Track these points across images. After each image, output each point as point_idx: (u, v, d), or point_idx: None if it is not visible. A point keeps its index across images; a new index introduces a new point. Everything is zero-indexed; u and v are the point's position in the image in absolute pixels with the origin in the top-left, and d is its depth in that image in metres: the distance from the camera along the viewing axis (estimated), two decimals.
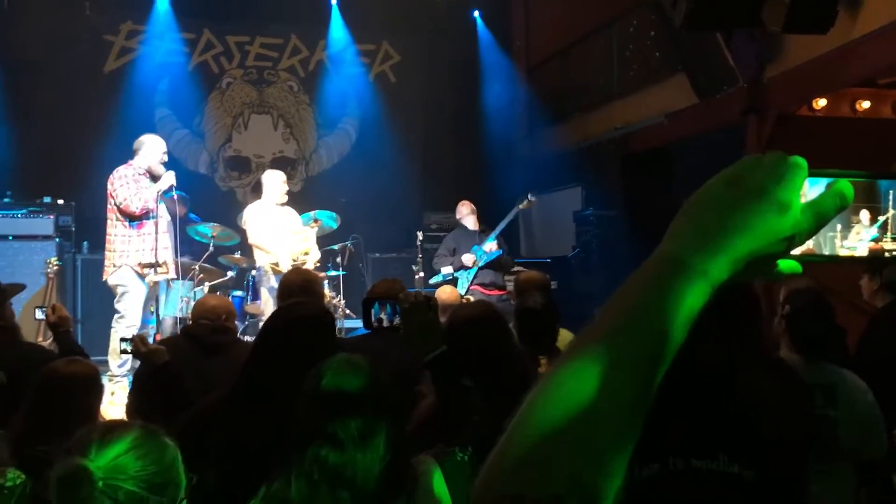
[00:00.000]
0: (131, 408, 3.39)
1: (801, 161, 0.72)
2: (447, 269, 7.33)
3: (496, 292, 7.32)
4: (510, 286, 7.49)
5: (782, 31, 6.20)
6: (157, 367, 2.92)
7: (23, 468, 1.94)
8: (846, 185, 0.72)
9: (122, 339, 3.26)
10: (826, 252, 0.77)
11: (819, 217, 0.72)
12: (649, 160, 8.66)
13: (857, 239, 0.78)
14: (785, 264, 0.74)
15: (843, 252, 0.78)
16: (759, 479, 1.41)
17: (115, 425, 1.52)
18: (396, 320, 2.05)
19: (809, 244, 0.75)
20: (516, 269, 7.86)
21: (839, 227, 0.77)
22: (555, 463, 0.66)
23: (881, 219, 0.77)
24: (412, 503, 1.74)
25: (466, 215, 7.67)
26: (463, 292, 7.10)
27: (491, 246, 7.33)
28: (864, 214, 0.77)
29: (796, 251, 0.74)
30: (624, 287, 0.73)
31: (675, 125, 7.93)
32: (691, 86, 7.32)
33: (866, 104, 7.14)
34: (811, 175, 0.74)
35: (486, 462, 0.70)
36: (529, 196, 7.60)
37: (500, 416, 2.03)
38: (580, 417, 0.66)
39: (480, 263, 7.30)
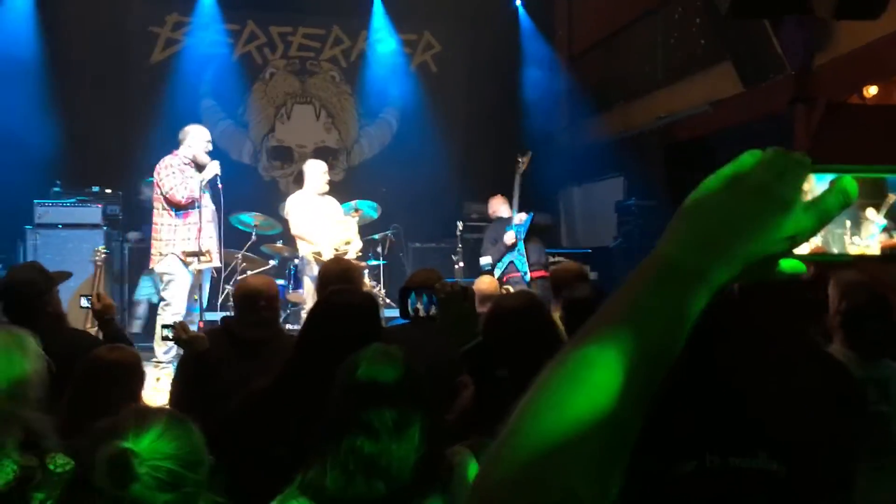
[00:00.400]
0: (174, 395, 3.43)
1: (804, 157, 0.70)
2: (485, 259, 7.27)
3: (539, 273, 7.21)
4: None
5: (833, 18, 6.10)
6: (198, 354, 2.95)
7: (68, 454, 1.99)
8: (849, 182, 0.70)
9: (164, 326, 3.29)
10: (836, 251, 0.74)
11: (822, 215, 0.69)
12: (693, 150, 8.52)
13: (868, 234, 0.75)
14: (787, 263, 0.72)
15: (853, 250, 0.74)
16: (800, 477, 1.38)
17: (146, 411, 1.63)
18: (433, 310, 2.05)
19: (817, 241, 0.73)
20: (554, 259, 7.81)
21: (848, 223, 0.74)
22: (549, 475, 0.64)
23: (884, 208, 0.74)
24: (448, 494, 1.74)
25: (499, 206, 7.61)
26: (527, 277, 7.05)
27: (520, 217, 7.25)
28: (871, 212, 0.74)
29: (803, 249, 0.72)
30: (621, 291, 0.71)
31: (720, 114, 7.79)
32: (737, 74, 7.19)
33: None
34: (818, 171, 0.72)
35: (480, 469, 0.69)
36: (520, 157, 7.47)
37: None
38: (574, 427, 0.64)
39: (522, 235, 7.21)
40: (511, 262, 7.22)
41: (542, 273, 7.16)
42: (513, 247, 7.22)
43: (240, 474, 1.96)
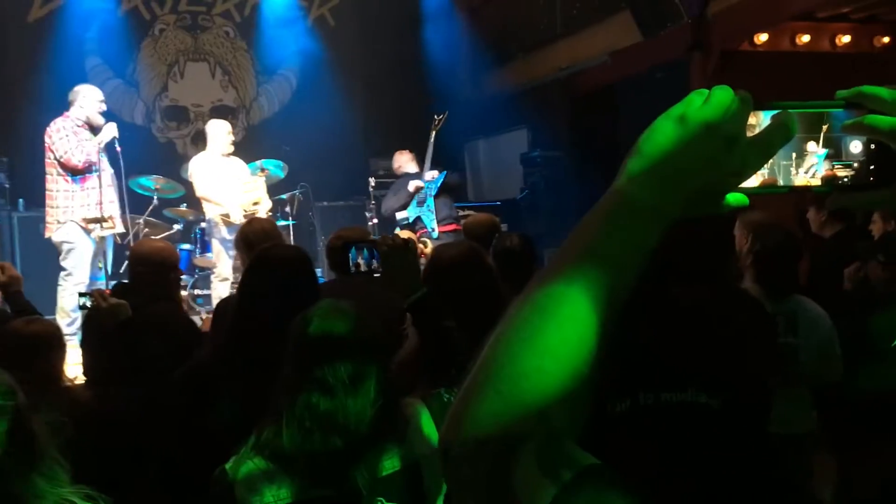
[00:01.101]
0: (88, 367, 3.28)
1: (747, 95, 0.73)
2: (402, 214, 7.15)
3: (451, 227, 7.21)
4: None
5: None
6: (120, 323, 2.80)
7: None
8: (789, 118, 0.73)
9: (81, 295, 3.10)
10: (781, 182, 0.78)
11: (765, 150, 0.73)
12: (595, 100, 8.69)
13: (809, 165, 0.78)
14: (732, 197, 0.75)
15: (798, 181, 0.78)
16: (726, 408, 1.44)
17: None
18: (374, 264, 2.04)
19: (764, 173, 0.76)
20: (463, 213, 7.85)
21: (794, 155, 0.77)
22: (520, 401, 0.67)
23: (822, 139, 0.77)
24: (404, 445, 1.75)
25: (406, 162, 7.50)
26: (435, 233, 7.02)
27: (432, 174, 7.18)
28: (812, 145, 0.78)
29: (752, 182, 0.75)
30: (579, 225, 0.75)
31: (620, 64, 7.95)
32: (636, 23, 7.32)
33: (806, 38, 7.25)
34: (762, 108, 0.75)
35: (452, 404, 0.73)
36: (436, 115, 7.49)
37: None
38: (543, 355, 0.68)
39: (433, 192, 7.16)
40: (418, 217, 7.18)
41: (453, 227, 7.17)
42: (413, 195, 7.14)
43: (191, 438, 1.91)
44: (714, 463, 1.27)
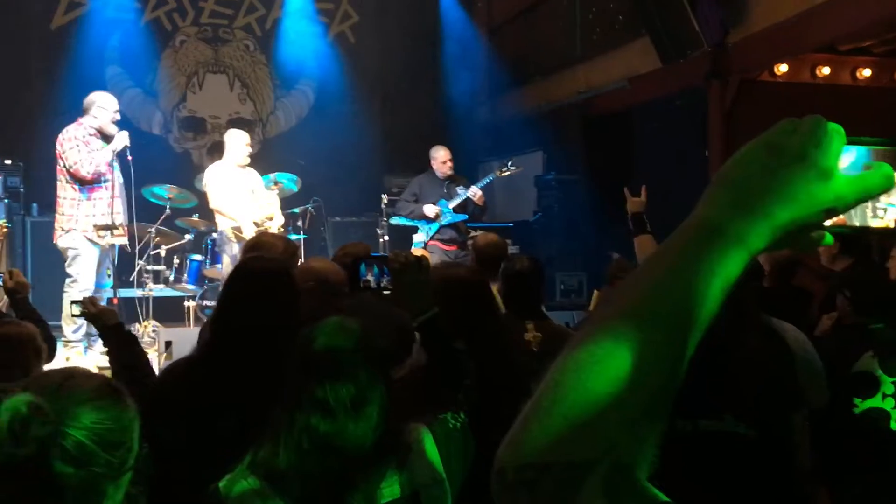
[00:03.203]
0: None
1: (839, 127, 0.70)
2: (418, 238, 7.06)
3: (455, 248, 7.16)
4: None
5: None
6: (107, 328, 2.81)
7: None
8: (890, 170, 0.71)
9: (73, 303, 3.12)
10: (857, 223, 0.76)
11: (863, 192, 0.71)
12: (612, 124, 8.66)
13: (884, 207, 0.77)
14: (819, 234, 0.73)
15: (875, 223, 0.77)
16: (762, 438, 1.41)
17: (78, 372, 1.41)
18: (384, 281, 2.00)
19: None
20: (475, 233, 7.81)
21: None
22: (589, 430, 0.65)
23: None
24: (405, 472, 1.70)
25: (439, 161, 7.23)
26: (420, 245, 6.97)
27: (457, 204, 7.05)
28: None
29: (827, 221, 0.72)
30: (656, 253, 0.71)
31: (638, 89, 7.92)
32: (655, 49, 7.30)
33: (826, 70, 7.21)
34: (852, 143, 0.73)
35: (511, 431, 0.69)
36: (509, 164, 7.37)
37: (492, 381, 1.99)
38: (616, 383, 0.65)
39: (444, 222, 7.10)
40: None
41: (453, 248, 7.11)
42: (430, 221, 7.09)
43: (176, 452, 1.87)
44: (750, 493, 1.24)
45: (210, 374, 2.18)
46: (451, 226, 7.13)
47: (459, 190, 7.08)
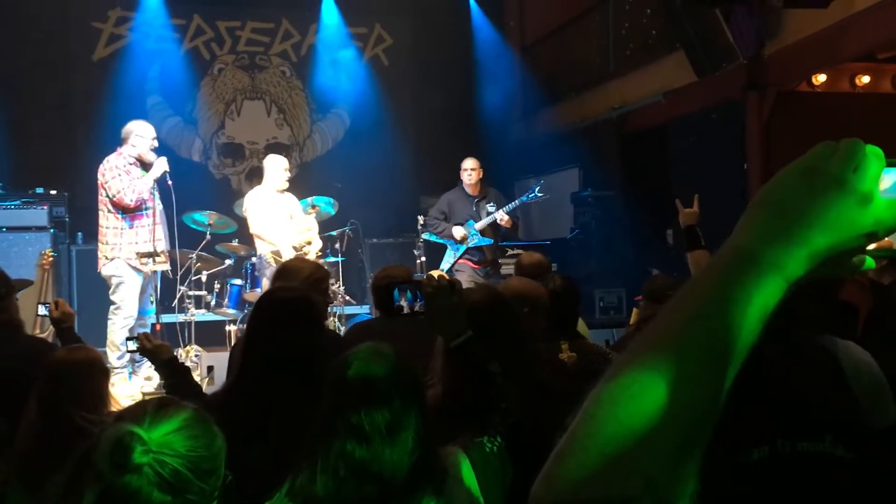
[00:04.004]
0: None
1: (878, 150, 0.69)
2: (446, 264, 7.03)
3: (485, 266, 7.09)
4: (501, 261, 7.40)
5: (783, 7, 6.19)
6: (162, 362, 2.90)
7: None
8: None
9: (129, 339, 3.27)
10: None
11: None
12: (647, 139, 8.60)
13: None
14: (861, 259, 0.71)
15: None
16: (862, 461, 1.40)
17: (170, 402, 1.46)
18: (418, 305, 2.00)
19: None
20: (514, 252, 7.80)
21: None
22: (627, 465, 0.63)
23: None
24: (442, 498, 1.69)
25: (466, 171, 7.15)
26: (447, 267, 6.96)
27: (484, 226, 7.02)
28: None
29: (871, 245, 0.71)
30: (693, 281, 0.70)
31: (674, 104, 7.87)
32: (690, 63, 7.25)
33: (866, 79, 7.10)
34: (891, 165, 0.71)
35: (548, 462, 0.68)
36: (536, 191, 7.23)
37: (528, 403, 1.97)
38: (653, 420, 0.64)
39: (470, 244, 7.05)
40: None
41: (475, 265, 7.09)
42: (458, 242, 7.10)
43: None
44: None
45: (241, 404, 2.22)
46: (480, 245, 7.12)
47: (489, 207, 7.06)
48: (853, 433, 1.29)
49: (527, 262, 4.47)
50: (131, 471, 1.29)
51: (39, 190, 8.09)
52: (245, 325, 6.96)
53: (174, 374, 2.86)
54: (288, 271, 3.51)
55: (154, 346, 2.95)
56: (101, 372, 2.75)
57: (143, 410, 1.39)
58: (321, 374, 2.15)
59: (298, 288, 2.57)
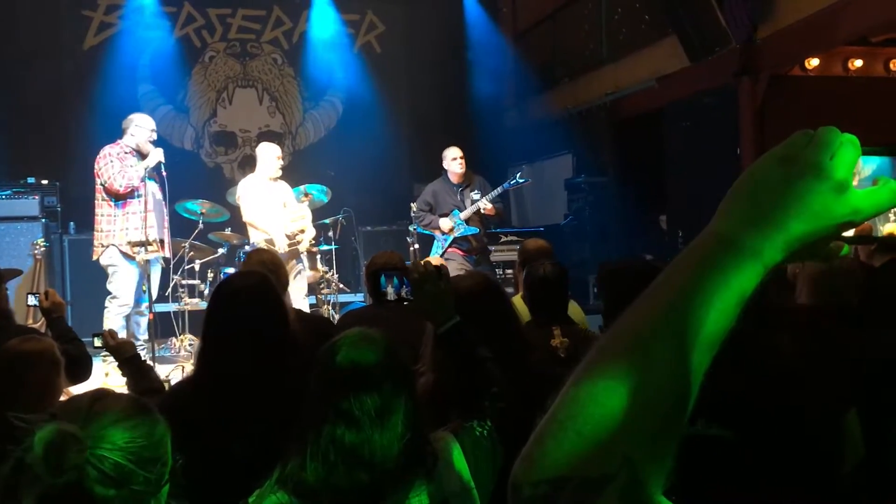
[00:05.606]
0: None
1: (854, 138, 0.69)
2: (436, 256, 6.97)
3: (473, 254, 7.04)
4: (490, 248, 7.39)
5: None
6: (124, 359, 2.89)
7: None
8: None
9: (95, 335, 3.17)
10: (883, 230, 0.75)
11: (880, 205, 0.70)
12: (641, 125, 8.59)
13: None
14: (836, 245, 0.72)
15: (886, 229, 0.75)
16: (739, 440, 1.41)
17: (105, 394, 1.43)
18: (404, 292, 1.99)
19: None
20: (507, 238, 7.80)
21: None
22: (604, 445, 0.64)
23: None
24: (433, 482, 1.69)
25: (449, 159, 7.02)
26: (440, 253, 6.91)
27: (469, 215, 6.92)
28: None
29: (850, 231, 0.71)
30: (670, 267, 0.70)
31: (667, 89, 7.85)
32: (683, 48, 7.23)
33: (859, 63, 7.09)
34: (867, 153, 0.71)
35: (528, 444, 0.69)
36: (518, 176, 7.14)
37: (517, 388, 1.97)
38: (630, 398, 0.65)
39: (457, 234, 6.94)
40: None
41: (460, 252, 7.05)
42: (446, 232, 7.04)
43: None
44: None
45: (207, 393, 2.21)
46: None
47: (474, 195, 6.97)
48: (726, 413, 1.30)
49: (531, 248, 4.50)
50: (67, 470, 1.26)
51: (31, 179, 8.06)
52: None
53: (136, 371, 2.84)
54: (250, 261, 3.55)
55: (117, 343, 2.94)
56: (50, 363, 2.67)
57: (78, 405, 1.37)
58: (290, 356, 2.15)
59: (257, 272, 2.54)
